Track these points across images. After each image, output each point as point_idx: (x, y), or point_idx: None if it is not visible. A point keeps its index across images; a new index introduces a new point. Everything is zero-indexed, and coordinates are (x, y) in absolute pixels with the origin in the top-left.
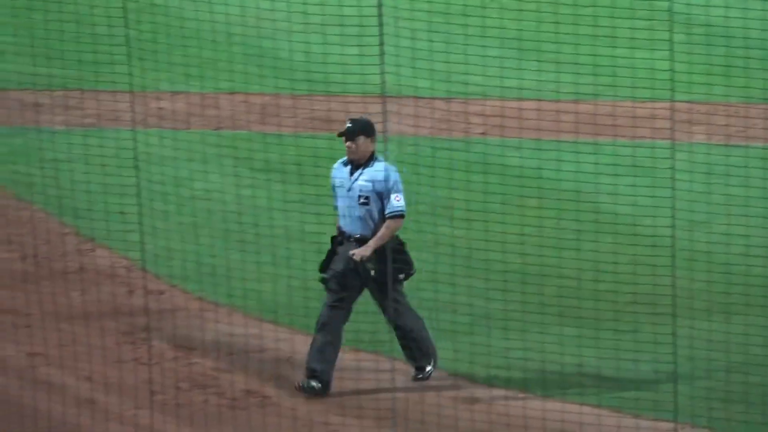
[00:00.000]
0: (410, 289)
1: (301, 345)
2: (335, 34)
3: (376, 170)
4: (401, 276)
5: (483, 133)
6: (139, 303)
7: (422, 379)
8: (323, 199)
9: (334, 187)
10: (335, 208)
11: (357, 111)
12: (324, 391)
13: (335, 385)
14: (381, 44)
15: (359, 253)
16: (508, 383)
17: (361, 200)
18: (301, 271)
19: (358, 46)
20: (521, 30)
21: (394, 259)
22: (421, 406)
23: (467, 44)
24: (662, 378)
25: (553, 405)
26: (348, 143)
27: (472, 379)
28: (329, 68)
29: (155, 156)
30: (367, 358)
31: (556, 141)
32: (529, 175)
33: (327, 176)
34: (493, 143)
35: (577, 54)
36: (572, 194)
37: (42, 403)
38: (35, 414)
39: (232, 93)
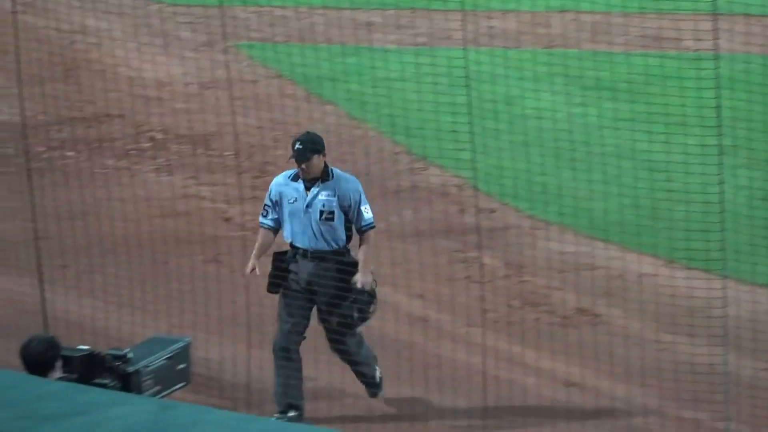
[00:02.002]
0: None
1: (633, 263)
2: None
3: (338, 184)
4: (372, 309)
5: None
6: (471, 221)
7: (376, 390)
8: (654, 117)
9: (276, 204)
10: (270, 224)
11: (687, 29)
12: (300, 416)
13: (667, 302)
14: None
15: (364, 281)
16: None
17: (325, 216)
18: (632, 189)
19: None
20: None
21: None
22: (753, 324)
23: None
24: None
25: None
26: (302, 165)
27: None
28: None
29: (486, 74)
30: (699, 276)
31: None
32: None
33: (657, 94)
34: None
35: None
36: None
37: (374, 321)
38: (368, 331)
39: (562, 11)
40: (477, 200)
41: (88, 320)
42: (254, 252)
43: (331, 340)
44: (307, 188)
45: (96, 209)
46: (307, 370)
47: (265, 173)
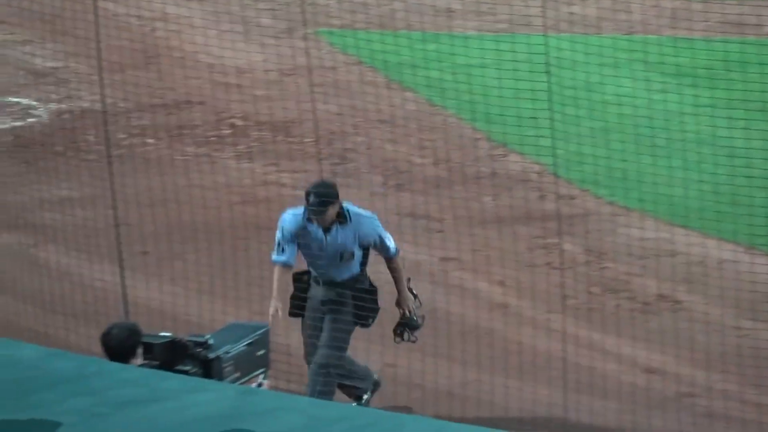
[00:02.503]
0: None
1: (713, 250)
2: None
3: (357, 227)
4: (370, 321)
5: None
6: (551, 207)
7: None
8: (734, 103)
9: (290, 240)
10: (286, 259)
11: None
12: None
13: (747, 288)
14: None
15: (408, 306)
16: None
17: (345, 258)
18: (712, 175)
19: None
20: None
21: (366, 305)
22: None
23: None
24: None
25: None
26: (318, 219)
27: None
28: None
29: (566, 61)
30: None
31: None
32: None
33: (737, 80)
34: None
35: None
36: None
37: (455, 307)
38: (447, 317)
39: None
40: (557, 187)
41: (169, 306)
42: (274, 293)
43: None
44: (326, 230)
45: (176, 196)
46: (388, 357)
47: (345, 160)
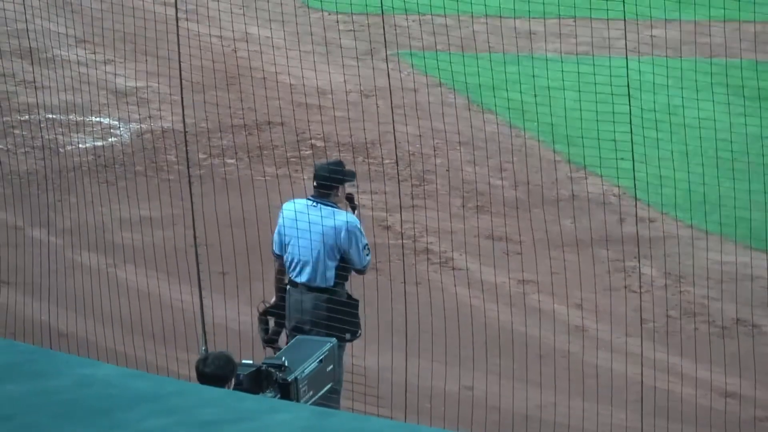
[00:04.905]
0: None
1: None
2: None
3: None
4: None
5: None
6: (630, 231)
7: None
8: None
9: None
10: None
11: None
12: None
13: None
14: None
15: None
16: None
17: None
18: None
19: None
20: None
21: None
22: None
23: None
24: None
25: None
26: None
27: None
28: None
29: (647, 83)
30: None
31: None
32: None
33: None
34: None
35: None
36: None
37: (533, 330)
38: (526, 340)
39: (724, 21)
40: (637, 209)
41: (247, 327)
42: None
43: None
44: None
45: (256, 217)
46: (466, 380)
47: (425, 182)
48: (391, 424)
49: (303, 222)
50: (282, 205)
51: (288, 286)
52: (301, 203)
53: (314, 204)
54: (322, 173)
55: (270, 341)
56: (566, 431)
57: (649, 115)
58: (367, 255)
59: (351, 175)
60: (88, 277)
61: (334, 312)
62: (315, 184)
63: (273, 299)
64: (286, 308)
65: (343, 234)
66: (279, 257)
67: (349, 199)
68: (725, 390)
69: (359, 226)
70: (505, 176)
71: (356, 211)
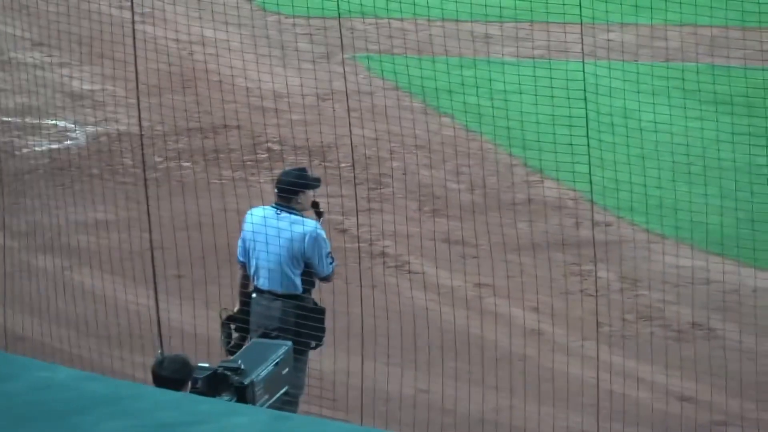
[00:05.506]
0: None
1: (748, 278)
2: None
3: None
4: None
5: None
6: (586, 234)
7: None
8: None
9: None
10: None
11: None
12: None
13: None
14: None
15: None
16: None
17: None
18: (748, 203)
19: None
20: None
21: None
22: None
23: None
24: None
25: None
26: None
27: None
28: None
29: (604, 88)
30: None
31: None
32: None
33: None
34: None
35: None
36: None
37: (489, 333)
38: (482, 343)
39: (681, 25)
40: (593, 213)
41: (202, 330)
42: None
43: None
44: None
45: (212, 220)
46: (421, 383)
47: (382, 185)
48: (347, 427)
49: (269, 228)
50: (247, 211)
51: (253, 294)
52: (265, 210)
53: (278, 211)
54: (286, 180)
55: (232, 351)
56: None
57: (605, 119)
58: (331, 263)
59: (316, 182)
60: (44, 280)
61: (301, 318)
62: (277, 190)
63: (236, 307)
64: (250, 315)
65: (306, 241)
66: (243, 265)
67: (315, 205)
68: (681, 394)
69: (323, 233)
70: (462, 180)
71: (322, 219)
